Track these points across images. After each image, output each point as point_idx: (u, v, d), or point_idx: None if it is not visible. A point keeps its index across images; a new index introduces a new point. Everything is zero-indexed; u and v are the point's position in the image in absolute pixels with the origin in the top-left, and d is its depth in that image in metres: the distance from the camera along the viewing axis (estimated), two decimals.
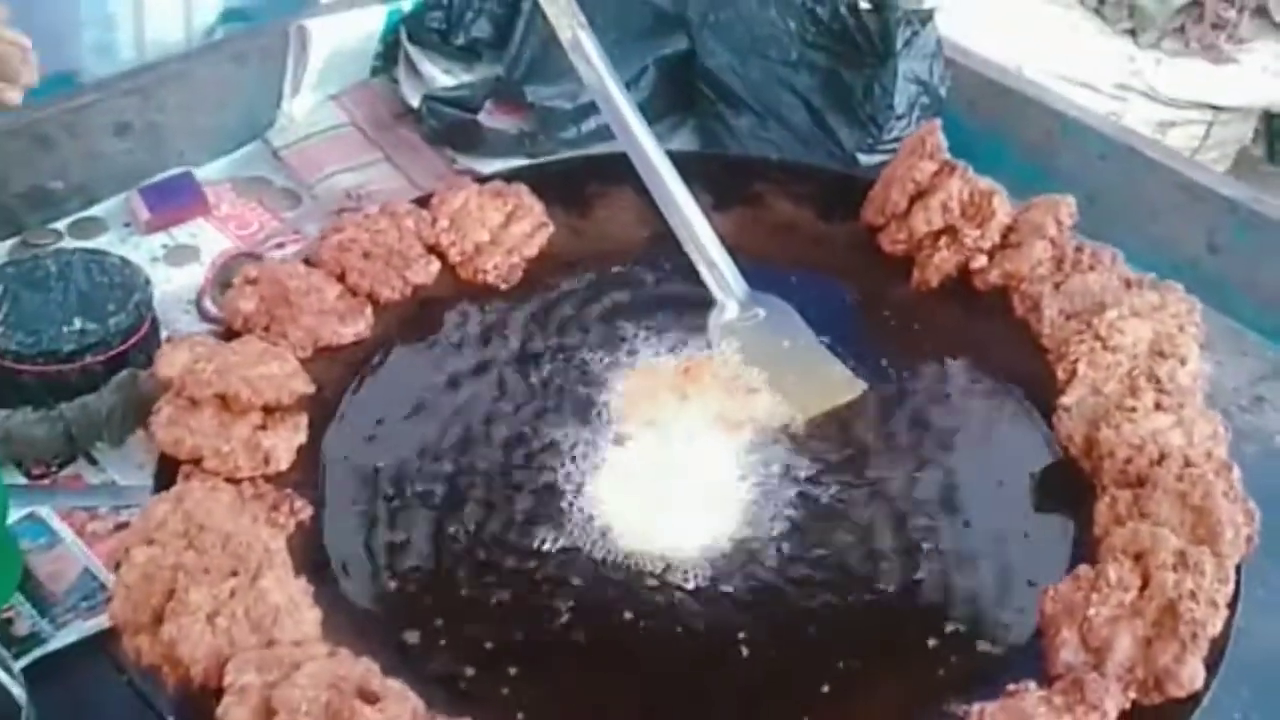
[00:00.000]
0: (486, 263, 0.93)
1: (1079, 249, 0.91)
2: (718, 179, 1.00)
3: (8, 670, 0.71)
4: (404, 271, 0.91)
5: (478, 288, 0.93)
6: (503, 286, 0.93)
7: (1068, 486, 0.80)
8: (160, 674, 0.68)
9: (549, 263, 0.95)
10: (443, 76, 1.41)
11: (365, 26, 1.42)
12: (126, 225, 1.18)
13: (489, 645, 0.73)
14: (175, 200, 1.21)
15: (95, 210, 1.23)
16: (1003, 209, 0.92)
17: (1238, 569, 0.73)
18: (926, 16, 1.31)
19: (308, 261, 0.91)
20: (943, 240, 0.92)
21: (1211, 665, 0.69)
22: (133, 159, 1.33)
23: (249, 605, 0.69)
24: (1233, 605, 0.71)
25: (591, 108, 1.26)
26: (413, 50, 1.46)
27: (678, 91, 1.38)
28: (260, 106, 1.43)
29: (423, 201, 0.96)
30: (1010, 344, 0.88)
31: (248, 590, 0.70)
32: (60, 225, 1.21)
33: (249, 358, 0.82)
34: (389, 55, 1.49)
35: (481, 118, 1.27)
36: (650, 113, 1.33)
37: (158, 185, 1.23)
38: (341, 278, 0.90)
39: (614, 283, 0.94)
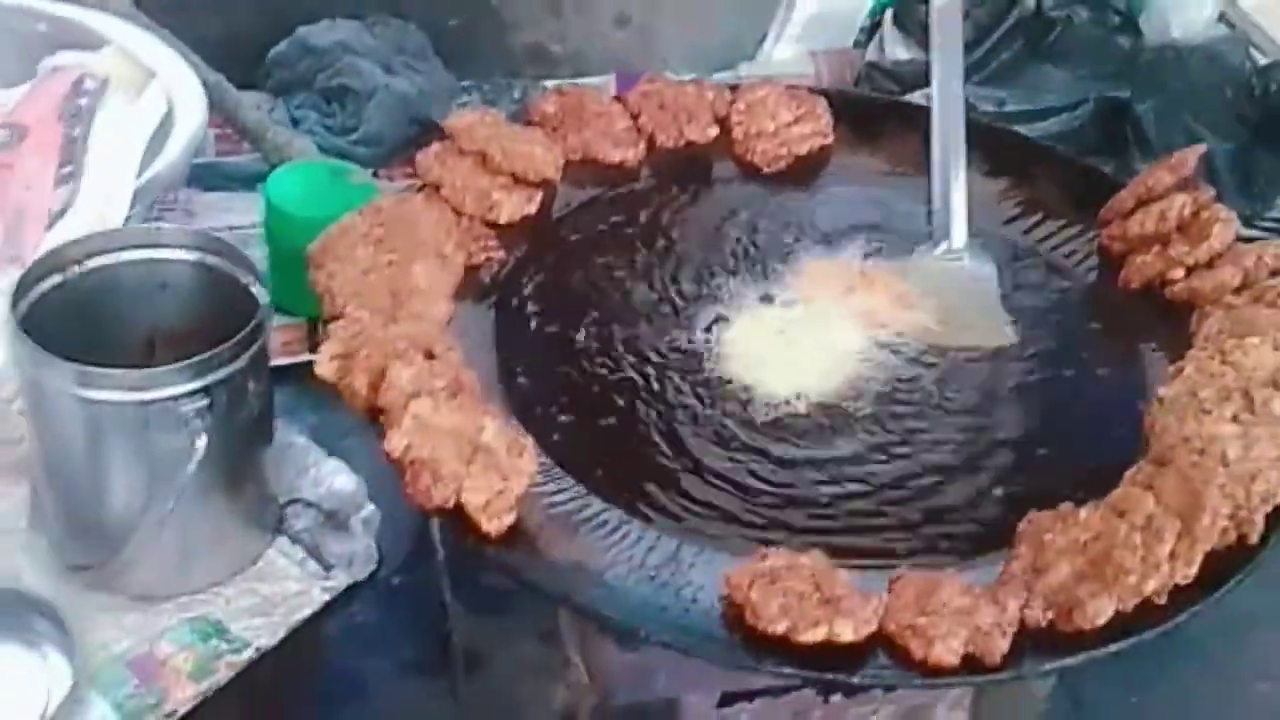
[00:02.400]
0: (758, 145, 1.06)
1: None
2: (1002, 152, 1.08)
3: (256, 276, 0.93)
4: (684, 125, 1.06)
5: (743, 161, 1.06)
6: (764, 169, 1.06)
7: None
8: (320, 300, 0.88)
9: (813, 162, 1.07)
10: (906, 57, 1.54)
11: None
12: None
13: (579, 398, 0.88)
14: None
15: (579, 81, 1.46)
16: (1220, 237, 0.94)
17: (1222, 574, 0.75)
18: None
19: (617, 99, 1.09)
20: (1155, 247, 0.96)
21: (1133, 620, 0.73)
22: (623, 47, 1.55)
23: (395, 275, 0.87)
24: (1188, 592, 0.74)
25: (1008, 118, 1.36)
26: (891, 31, 1.61)
27: (1111, 132, 1.45)
28: (745, 41, 1.62)
29: (735, 87, 1.10)
30: (1169, 350, 0.92)
31: (403, 267, 0.88)
32: (549, 84, 1.45)
33: (519, 137, 1.00)
34: (873, 31, 1.64)
35: (913, 96, 1.38)
36: (1077, 144, 1.40)
37: (632, 75, 1.44)
38: (636, 117, 1.07)
39: (855, 197, 1.05)
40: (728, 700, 0.82)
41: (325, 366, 0.82)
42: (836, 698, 0.83)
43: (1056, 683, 0.90)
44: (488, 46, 1.54)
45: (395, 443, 0.76)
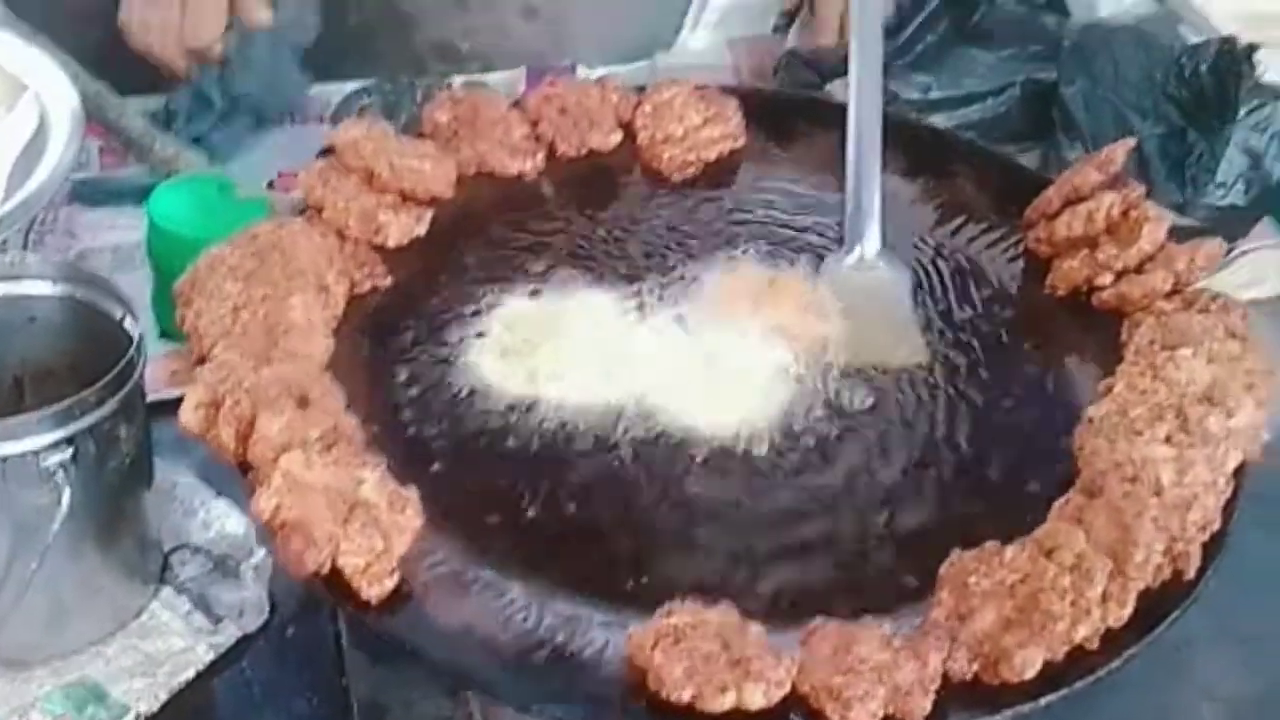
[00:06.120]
0: (665, 152, 1.00)
1: (1214, 297, 0.87)
2: (919, 149, 1.02)
3: (129, 310, 0.87)
4: (586, 133, 1.00)
5: (649, 169, 1.00)
6: (672, 177, 1.00)
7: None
8: (188, 341, 0.81)
9: (723, 170, 1.01)
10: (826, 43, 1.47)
11: None
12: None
13: (473, 443, 0.82)
14: None
15: (488, 76, 1.39)
16: (1151, 239, 0.89)
17: (1157, 612, 0.70)
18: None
19: (515, 104, 1.02)
20: (1083, 251, 0.91)
21: (1064, 670, 0.68)
22: (531, 43, 1.48)
23: (270, 311, 0.81)
24: (1121, 634, 0.69)
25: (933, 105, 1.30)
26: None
27: (1038, 117, 1.39)
28: (661, 30, 1.55)
29: (642, 88, 1.04)
30: (1098, 363, 0.87)
31: (278, 301, 0.82)
32: (455, 80, 1.37)
33: (409, 151, 0.94)
34: (793, 17, 1.57)
35: (833, 86, 1.32)
36: (1004, 130, 1.35)
37: (541, 70, 1.38)
38: (535, 124, 1.01)
39: (766, 204, 0.99)
40: None
41: (189, 416, 0.75)
42: None
43: None
44: (391, 44, 1.47)
45: (263, 504, 0.70)
